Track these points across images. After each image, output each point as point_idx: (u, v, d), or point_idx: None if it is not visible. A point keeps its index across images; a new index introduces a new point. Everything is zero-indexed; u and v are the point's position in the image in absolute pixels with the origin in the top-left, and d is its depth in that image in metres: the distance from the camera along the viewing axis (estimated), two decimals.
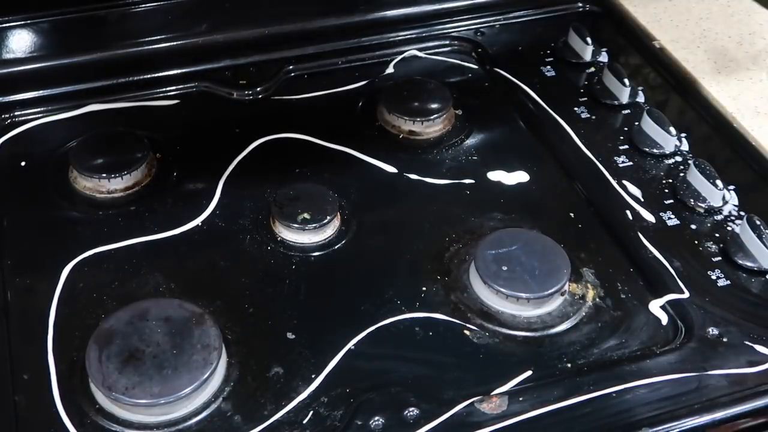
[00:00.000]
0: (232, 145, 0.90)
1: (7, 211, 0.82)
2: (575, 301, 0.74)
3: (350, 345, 0.70)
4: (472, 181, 0.86)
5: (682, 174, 0.85)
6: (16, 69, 0.95)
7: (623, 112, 0.94)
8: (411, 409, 0.65)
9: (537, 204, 0.84)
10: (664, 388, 0.67)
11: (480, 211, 0.83)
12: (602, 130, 0.92)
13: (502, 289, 0.72)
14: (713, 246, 0.79)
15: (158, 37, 0.99)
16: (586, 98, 0.96)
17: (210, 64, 0.99)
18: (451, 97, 0.95)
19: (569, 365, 0.69)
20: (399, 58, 1.03)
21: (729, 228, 0.80)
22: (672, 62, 1.00)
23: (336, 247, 0.79)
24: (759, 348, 0.70)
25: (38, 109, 0.93)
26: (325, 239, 0.80)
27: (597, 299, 0.75)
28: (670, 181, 0.85)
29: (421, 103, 0.94)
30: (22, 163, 0.87)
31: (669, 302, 0.74)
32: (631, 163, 0.87)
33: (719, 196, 0.82)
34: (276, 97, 0.97)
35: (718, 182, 0.82)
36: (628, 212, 0.82)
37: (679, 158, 0.88)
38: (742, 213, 0.81)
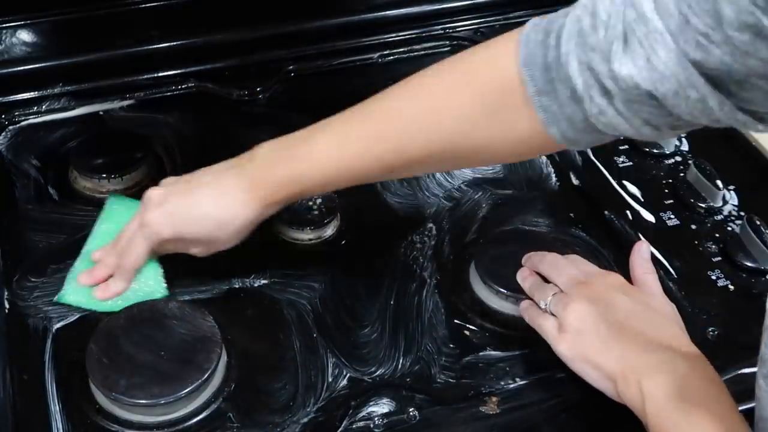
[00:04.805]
0: (232, 145, 0.90)
1: (6, 212, 0.82)
2: None
3: (351, 345, 0.70)
4: (472, 182, 0.86)
5: (682, 174, 0.85)
6: (16, 69, 0.95)
7: None
8: (411, 409, 0.65)
9: (537, 204, 0.84)
10: None
11: (480, 212, 0.83)
12: None
13: (502, 289, 0.72)
14: (713, 246, 0.79)
15: (158, 37, 0.99)
16: None
17: (210, 64, 0.99)
18: None
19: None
20: (398, 58, 1.03)
21: (729, 228, 0.80)
22: None
23: (336, 247, 0.79)
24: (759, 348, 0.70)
25: (38, 109, 0.93)
26: (325, 239, 0.80)
27: None
28: (670, 181, 0.85)
29: None
30: (23, 164, 0.87)
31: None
32: (631, 163, 0.87)
33: (719, 196, 0.82)
34: (276, 97, 0.97)
35: (718, 182, 0.82)
36: (628, 212, 0.82)
37: (679, 158, 0.88)
38: (742, 213, 0.81)
